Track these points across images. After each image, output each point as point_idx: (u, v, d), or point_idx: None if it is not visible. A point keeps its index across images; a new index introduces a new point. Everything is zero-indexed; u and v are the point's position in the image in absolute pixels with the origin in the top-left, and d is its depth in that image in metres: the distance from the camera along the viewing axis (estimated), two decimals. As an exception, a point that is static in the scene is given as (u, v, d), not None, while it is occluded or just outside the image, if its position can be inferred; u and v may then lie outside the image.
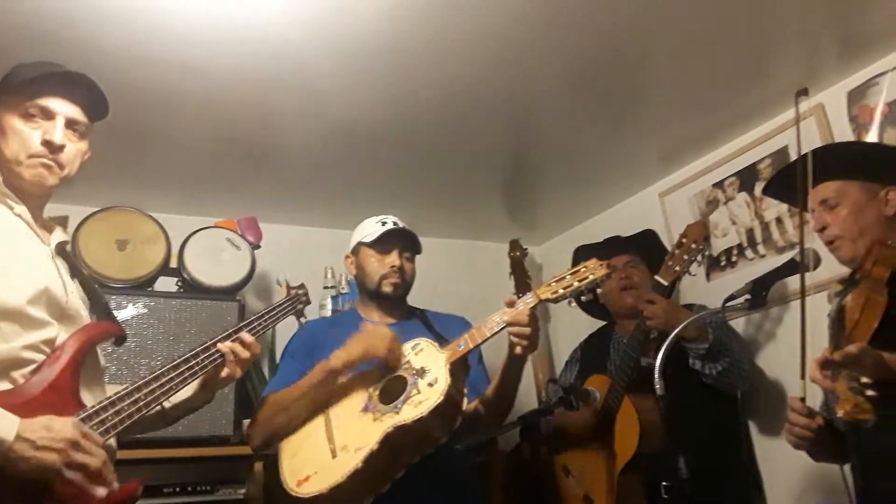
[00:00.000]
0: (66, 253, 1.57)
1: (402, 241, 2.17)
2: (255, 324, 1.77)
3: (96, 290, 1.61)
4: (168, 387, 1.50)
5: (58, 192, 2.92)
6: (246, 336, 1.69)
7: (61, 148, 1.50)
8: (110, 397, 1.40)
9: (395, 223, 2.18)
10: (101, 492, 1.26)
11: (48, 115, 1.50)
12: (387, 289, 2.12)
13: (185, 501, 2.38)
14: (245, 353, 1.67)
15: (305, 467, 1.75)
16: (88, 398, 1.41)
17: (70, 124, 1.52)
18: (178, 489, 2.38)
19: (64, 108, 1.52)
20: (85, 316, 1.51)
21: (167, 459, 2.38)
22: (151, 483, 2.34)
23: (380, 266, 2.13)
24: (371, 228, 2.18)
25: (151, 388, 1.47)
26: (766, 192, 2.17)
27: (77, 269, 1.58)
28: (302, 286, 2.16)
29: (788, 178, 1.92)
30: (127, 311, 2.49)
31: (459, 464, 1.90)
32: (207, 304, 2.66)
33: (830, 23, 2.18)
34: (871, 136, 2.36)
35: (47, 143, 1.48)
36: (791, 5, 2.06)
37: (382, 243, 2.15)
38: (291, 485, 1.74)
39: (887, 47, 2.31)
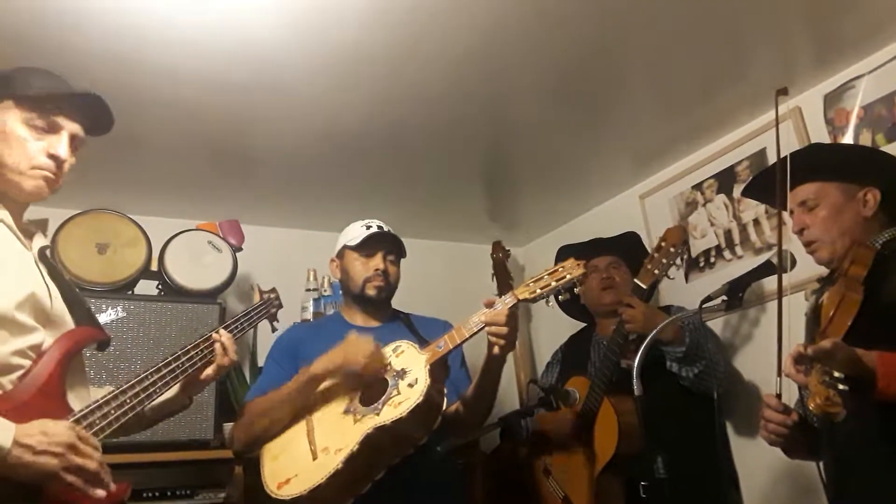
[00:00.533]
0: (47, 258, 1.57)
1: (386, 245, 2.18)
2: (231, 328, 1.79)
3: (78, 294, 1.61)
4: (152, 390, 1.52)
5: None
6: (224, 338, 1.72)
7: (64, 163, 1.51)
8: (97, 401, 1.42)
9: (379, 227, 2.19)
10: (99, 493, 1.28)
11: (55, 128, 1.50)
12: (371, 292, 2.13)
13: (165, 506, 2.37)
14: (231, 352, 1.71)
15: (286, 469, 1.76)
16: (75, 402, 1.42)
17: (72, 139, 1.53)
18: (157, 493, 2.37)
19: (70, 125, 1.52)
20: (69, 321, 1.51)
21: (147, 464, 2.37)
22: (132, 488, 2.32)
23: (364, 269, 2.14)
24: (356, 232, 2.19)
25: (136, 391, 1.48)
26: (745, 193, 2.18)
27: (58, 273, 1.58)
28: (273, 290, 2.17)
29: (768, 180, 1.93)
30: (106, 315, 2.47)
31: (440, 465, 1.91)
32: (188, 308, 2.64)
33: (807, 27, 2.21)
34: (847, 139, 2.39)
35: (54, 157, 1.49)
36: (768, 9, 2.08)
37: (367, 247, 2.15)
38: (272, 487, 1.74)
39: (863, 51, 2.34)
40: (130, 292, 2.66)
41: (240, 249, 2.94)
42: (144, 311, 2.54)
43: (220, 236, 2.89)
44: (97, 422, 1.39)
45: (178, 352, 1.62)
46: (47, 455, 1.21)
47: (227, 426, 2.26)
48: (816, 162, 1.86)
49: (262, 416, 1.89)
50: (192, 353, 1.64)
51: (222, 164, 2.82)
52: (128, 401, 1.46)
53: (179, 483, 2.42)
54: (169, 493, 2.38)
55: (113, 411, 1.42)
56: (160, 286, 2.78)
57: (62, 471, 1.23)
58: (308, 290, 3.16)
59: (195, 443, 2.46)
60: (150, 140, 2.57)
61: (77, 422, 1.35)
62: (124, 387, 1.47)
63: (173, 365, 1.59)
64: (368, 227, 2.17)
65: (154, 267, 2.72)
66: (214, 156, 2.74)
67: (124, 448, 2.32)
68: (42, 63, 1.96)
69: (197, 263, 2.75)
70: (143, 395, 1.50)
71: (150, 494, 2.35)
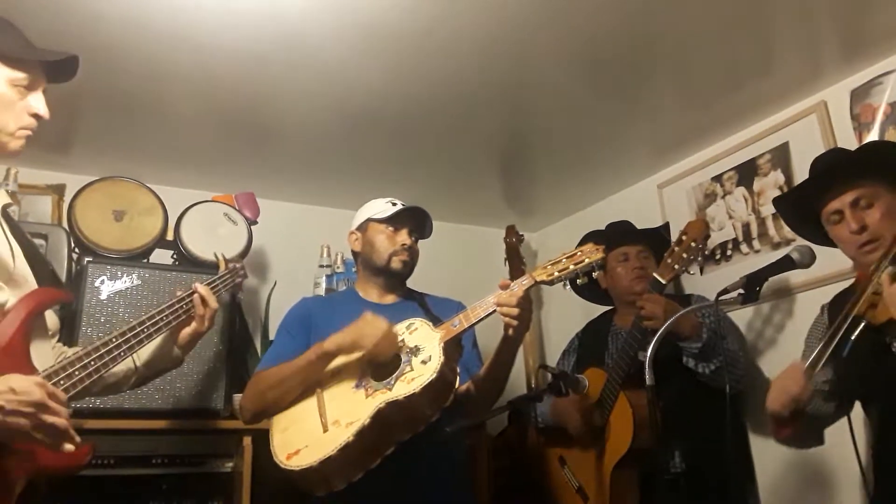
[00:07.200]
0: (9, 216, 1.56)
1: (412, 223, 2.18)
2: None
3: (41, 254, 1.62)
4: (117, 353, 1.51)
5: (55, 160, 2.94)
6: (200, 289, 1.77)
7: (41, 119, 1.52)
8: (62, 362, 1.41)
9: (403, 205, 2.19)
10: (68, 447, 1.28)
11: (34, 86, 1.50)
12: (396, 265, 2.13)
13: (173, 472, 2.38)
14: (205, 307, 1.73)
15: (296, 441, 1.76)
16: (37, 362, 1.41)
17: (44, 93, 1.53)
18: (166, 460, 2.38)
19: (43, 82, 1.53)
20: (31, 280, 1.50)
21: (157, 431, 2.38)
22: (140, 454, 2.34)
23: (390, 243, 2.14)
24: (382, 207, 2.19)
25: (101, 353, 1.48)
26: (777, 204, 2.15)
27: (21, 232, 1.57)
28: (239, 260, 2.17)
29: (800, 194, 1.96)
30: (121, 282, 2.48)
31: (448, 445, 1.91)
32: (202, 278, 2.62)
33: (836, 21, 2.18)
34: (873, 136, 2.36)
35: (37, 117, 1.50)
36: (797, 2, 2.05)
37: (396, 221, 2.16)
38: (281, 458, 1.75)
39: (892, 47, 2.31)
40: (146, 260, 2.67)
41: (255, 223, 2.94)
42: (159, 280, 2.55)
43: (235, 209, 2.89)
44: (61, 382, 1.38)
45: (144, 316, 1.62)
46: (17, 415, 1.21)
47: (238, 397, 2.27)
48: (864, 162, 1.84)
49: (272, 387, 1.89)
50: (158, 317, 1.64)
51: (240, 138, 2.82)
52: (93, 363, 1.45)
53: (188, 451, 2.43)
54: (178, 461, 2.40)
55: (78, 372, 1.42)
56: (175, 256, 2.80)
57: (33, 428, 1.23)
58: (321, 266, 3.17)
59: (205, 412, 2.48)
60: (170, 110, 2.57)
61: None
62: (89, 348, 1.47)
63: (139, 329, 1.58)
64: (394, 204, 2.18)
65: (170, 236, 2.72)
66: (233, 128, 2.74)
67: (135, 414, 2.35)
68: (56, 26, 1.96)
69: (212, 235, 2.76)
70: (107, 358, 1.49)
71: (158, 461, 2.37)
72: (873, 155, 1.91)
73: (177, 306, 1.72)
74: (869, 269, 1.64)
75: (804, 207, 1.95)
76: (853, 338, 1.53)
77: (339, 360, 1.89)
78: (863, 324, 1.53)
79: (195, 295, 1.76)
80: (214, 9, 2.02)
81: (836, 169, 1.87)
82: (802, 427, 1.75)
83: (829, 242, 1.93)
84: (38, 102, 1.50)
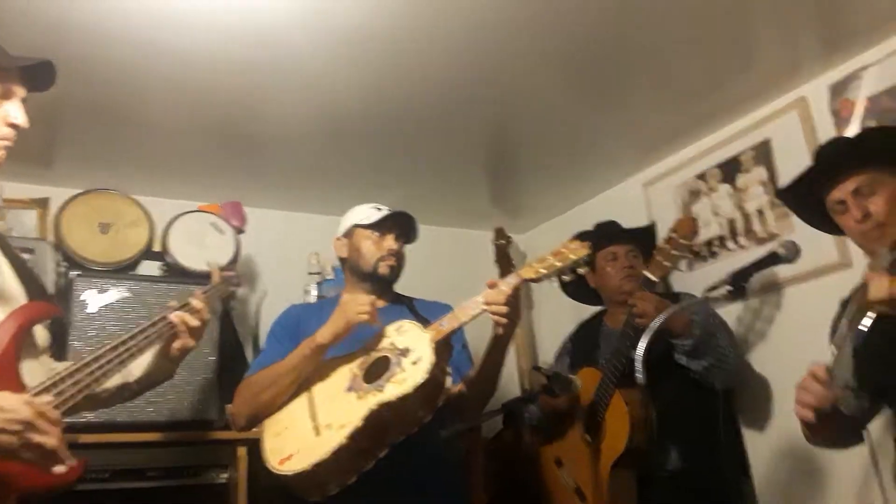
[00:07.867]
0: None
1: (398, 227, 2.19)
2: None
3: (30, 269, 1.59)
4: (108, 367, 1.49)
5: (38, 174, 2.91)
6: (195, 302, 1.70)
7: (20, 129, 1.48)
8: (52, 378, 1.39)
9: (389, 210, 2.20)
10: (59, 469, 1.26)
11: (8, 95, 1.47)
12: (383, 270, 2.13)
13: (168, 485, 2.36)
14: (194, 321, 1.67)
15: (288, 445, 1.76)
16: (27, 378, 1.38)
17: (22, 102, 1.49)
18: (161, 473, 2.36)
19: (20, 90, 1.49)
20: (21, 296, 1.48)
21: (151, 443, 2.37)
22: (135, 466, 2.33)
23: (377, 249, 2.14)
24: (367, 213, 2.19)
25: (91, 369, 1.45)
26: (782, 196, 2.11)
27: (9, 247, 1.55)
28: (233, 269, 2.14)
29: (806, 184, 1.90)
30: (109, 295, 2.47)
31: (443, 449, 1.92)
32: (191, 289, 2.62)
33: (814, 16, 2.20)
34: (852, 131, 2.39)
35: (14, 126, 1.46)
36: (775, -1, 2.08)
37: (381, 227, 2.16)
38: (274, 463, 1.75)
39: (869, 41, 2.34)
40: (133, 272, 2.66)
41: (242, 231, 2.94)
42: (147, 292, 2.54)
43: (222, 218, 2.88)
44: (52, 399, 1.35)
45: (136, 330, 1.59)
46: (4, 433, 1.19)
47: (230, 406, 2.26)
48: (863, 149, 1.81)
49: (266, 388, 1.89)
50: (150, 330, 1.61)
51: (225, 146, 2.82)
52: (84, 378, 1.42)
53: (183, 463, 2.42)
54: (173, 473, 2.37)
55: (69, 388, 1.39)
56: (163, 267, 2.78)
57: (20, 449, 1.21)
58: (311, 273, 3.16)
59: (199, 423, 2.46)
60: (152, 120, 2.56)
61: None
62: (79, 364, 1.44)
63: (130, 343, 1.55)
64: (380, 209, 2.18)
65: (157, 248, 2.72)
66: (217, 137, 2.73)
67: (128, 427, 2.34)
68: (37, 34, 1.95)
69: (199, 245, 2.75)
70: (99, 374, 1.46)
71: (153, 473, 2.35)
72: (873, 141, 1.88)
73: (160, 325, 1.66)
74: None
75: (809, 198, 1.91)
76: (865, 329, 1.46)
77: (329, 364, 1.89)
78: (873, 314, 1.49)
79: (174, 315, 1.68)
80: (195, 17, 2.02)
81: (834, 158, 1.84)
82: (837, 427, 1.67)
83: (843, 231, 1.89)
84: (14, 111, 1.46)
